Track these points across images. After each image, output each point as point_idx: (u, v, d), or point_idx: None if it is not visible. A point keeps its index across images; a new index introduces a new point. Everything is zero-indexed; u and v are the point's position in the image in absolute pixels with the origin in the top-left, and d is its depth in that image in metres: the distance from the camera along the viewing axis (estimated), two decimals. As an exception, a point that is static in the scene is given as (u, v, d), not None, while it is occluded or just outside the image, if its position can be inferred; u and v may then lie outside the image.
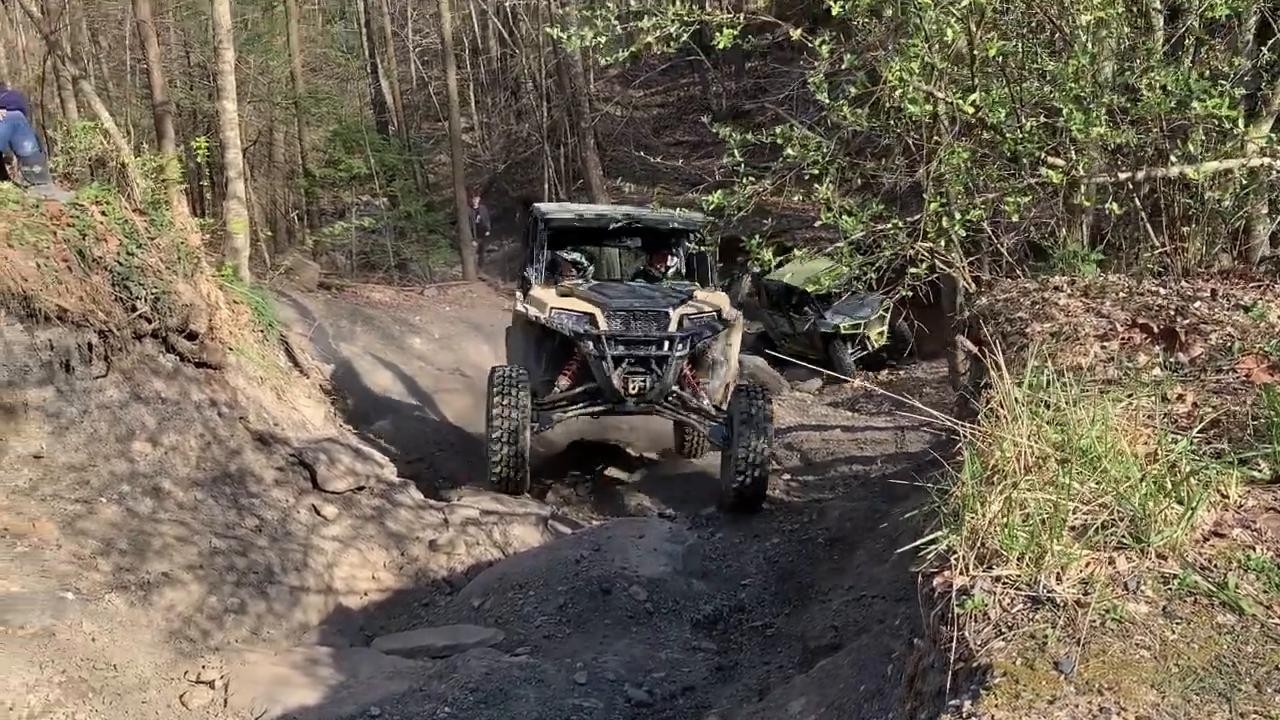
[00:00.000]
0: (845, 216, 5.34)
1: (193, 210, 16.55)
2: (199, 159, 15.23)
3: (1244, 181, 6.10)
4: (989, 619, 2.49)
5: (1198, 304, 4.12)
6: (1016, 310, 4.13)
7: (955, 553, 2.66)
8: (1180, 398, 3.34)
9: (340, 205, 27.04)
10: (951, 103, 4.40)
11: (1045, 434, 2.84)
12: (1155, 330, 3.75)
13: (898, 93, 4.58)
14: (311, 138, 26.15)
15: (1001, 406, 2.94)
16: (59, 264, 8.06)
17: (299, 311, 17.24)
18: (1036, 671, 2.28)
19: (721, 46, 5.09)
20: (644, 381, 10.35)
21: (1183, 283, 4.41)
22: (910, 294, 6.02)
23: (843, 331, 18.80)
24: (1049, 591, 2.50)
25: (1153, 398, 3.27)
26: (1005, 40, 4.85)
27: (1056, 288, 4.26)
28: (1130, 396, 3.19)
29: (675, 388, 10.66)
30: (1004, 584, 2.56)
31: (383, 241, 25.69)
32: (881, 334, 19.05)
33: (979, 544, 2.64)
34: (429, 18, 28.75)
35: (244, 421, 9.64)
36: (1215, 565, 2.58)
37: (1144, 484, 2.69)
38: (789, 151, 5.47)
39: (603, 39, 5.31)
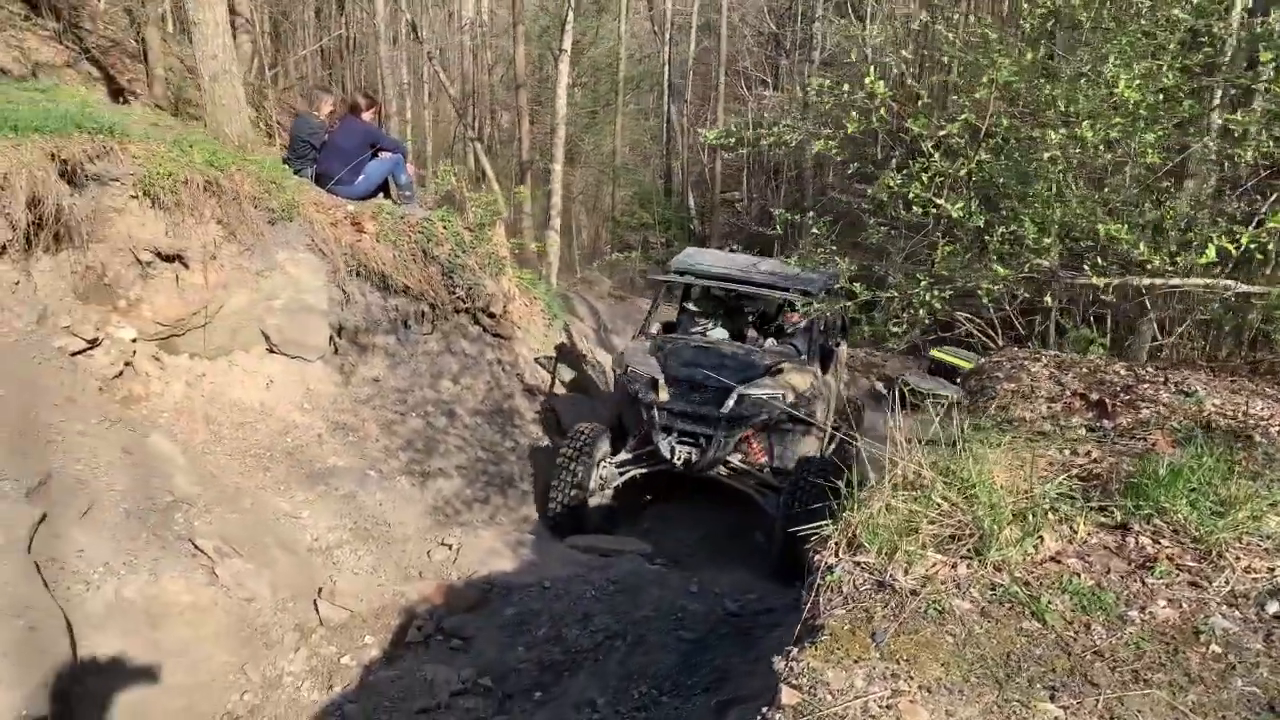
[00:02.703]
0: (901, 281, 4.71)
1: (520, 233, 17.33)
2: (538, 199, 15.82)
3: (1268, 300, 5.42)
4: (841, 592, 2.28)
5: (1146, 385, 3.67)
6: (996, 370, 3.80)
7: (832, 538, 2.46)
8: (1088, 454, 2.99)
9: (634, 241, 27.38)
10: (945, 208, 4.04)
11: (934, 462, 2.60)
12: (1090, 399, 3.38)
13: (909, 199, 4.21)
14: (620, 194, 26.73)
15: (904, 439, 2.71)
16: (409, 257, 8.48)
17: (589, 310, 17.58)
18: (856, 637, 2.07)
19: (817, 150, 4.78)
20: (690, 454, 7.67)
21: (1147, 368, 3.95)
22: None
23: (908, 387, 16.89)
24: (893, 579, 2.27)
25: (1063, 449, 2.95)
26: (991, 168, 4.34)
27: (1035, 358, 3.87)
28: (1036, 444, 2.88)
29: (735, 458, 7.89)
30: (862, 568, 2.34)
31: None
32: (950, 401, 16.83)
33: (851, 534, 2.43)
34: (711, 120, 28.75)
35: (519, 377, 9.90)
36: (1040, 583, 2.27)
37: (996, 511, 2.41)
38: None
39: (731, 139, 4.87)
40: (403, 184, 9.05)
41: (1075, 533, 2.44)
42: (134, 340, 6.49)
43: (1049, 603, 2.20)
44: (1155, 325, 4.97)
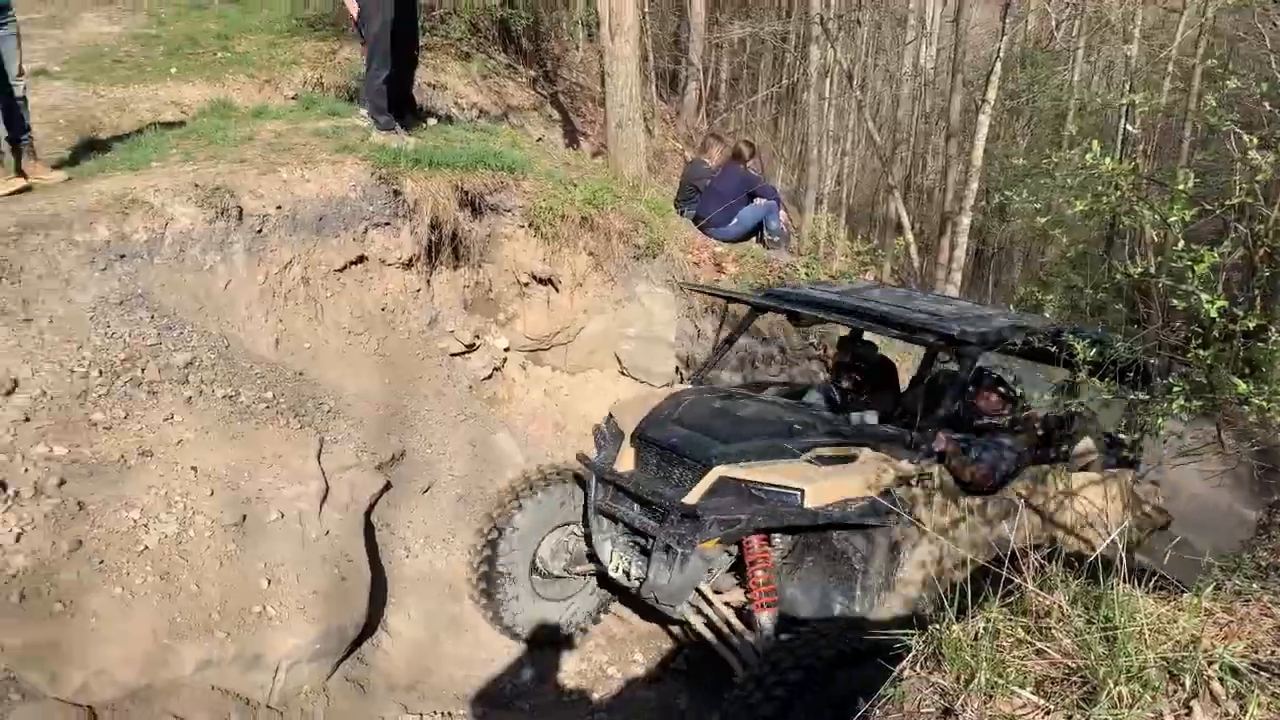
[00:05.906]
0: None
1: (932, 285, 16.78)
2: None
3: None
4: (902, 709, 2.02)
5: None
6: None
7: (915, 648, 2.17)
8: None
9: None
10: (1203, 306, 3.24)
11: (1078, 596, 2.17)
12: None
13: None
14: (1053, 251, 24.84)
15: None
16: (766, 299, 8.69)
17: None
18: (879, 770, 1.86)
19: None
20: (630, 564, 4.85)
21: None
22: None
23: None
24: (962, 709, 1.96)
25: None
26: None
27: None
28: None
29: (713, 591, 4.80)
30: (934, 688, 2.04)
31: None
32: None
33: (936, 648, 2.12)
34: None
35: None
36: (1153, 771, 1.85)
37: (1122, 658, 1.95)
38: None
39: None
40: (773, 229, 9.29)
41: (1244, 713, 1.94)
42: (506, 349, 7.38)
43: (1145, 798, 1.78)
44: None
